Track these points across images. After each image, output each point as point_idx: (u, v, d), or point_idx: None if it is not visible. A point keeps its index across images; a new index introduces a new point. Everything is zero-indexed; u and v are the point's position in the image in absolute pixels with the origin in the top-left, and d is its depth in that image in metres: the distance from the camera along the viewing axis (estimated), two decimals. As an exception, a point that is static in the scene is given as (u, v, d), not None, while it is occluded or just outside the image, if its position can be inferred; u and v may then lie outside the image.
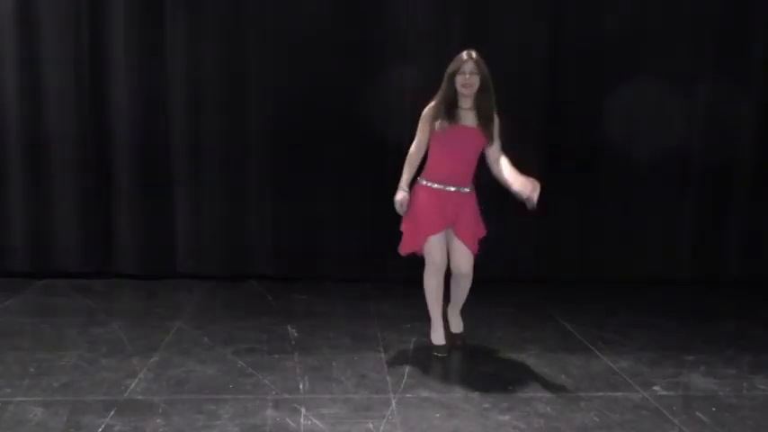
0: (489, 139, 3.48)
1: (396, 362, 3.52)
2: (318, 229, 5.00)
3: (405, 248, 3.63)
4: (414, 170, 3.58)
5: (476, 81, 3.40)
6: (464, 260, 3.55)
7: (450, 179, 3.50)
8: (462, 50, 3.45)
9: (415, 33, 4.83)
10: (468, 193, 3.55)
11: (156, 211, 4.94)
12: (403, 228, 3.62)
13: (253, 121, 4.90)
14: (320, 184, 4.96)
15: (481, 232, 3.65)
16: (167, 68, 4.82)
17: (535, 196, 3.21)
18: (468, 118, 3.47)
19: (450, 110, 3.44)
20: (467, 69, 3.39)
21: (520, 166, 4.77)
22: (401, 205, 3.54)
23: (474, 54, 3.42)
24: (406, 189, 3.54)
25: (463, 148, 3.48)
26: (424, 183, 3.54)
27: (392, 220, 4.88)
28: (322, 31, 4.82)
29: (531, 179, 3.26)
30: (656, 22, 4.96)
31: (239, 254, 5.03)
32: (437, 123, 3.45)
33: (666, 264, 5.21)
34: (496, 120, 3.50)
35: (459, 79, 3.41)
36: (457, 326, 3.84)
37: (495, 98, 3.47)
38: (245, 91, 4.87)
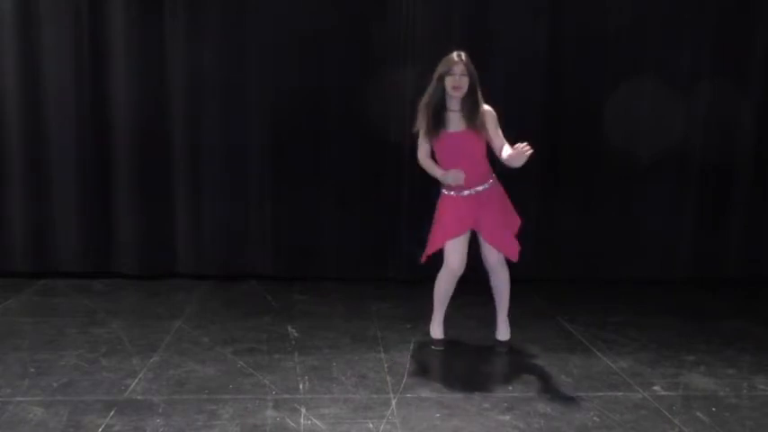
0: (484, 133, 3.43)
1: (396, 362, 3.52)
2: (318, 229, 5.00)
3: (426, 252, 3.63)
4: (433, 163, 3.56)
5: (465, 83, 3.39)
6: (492, 256, 3.57)
7: (462, 184, 3.47)
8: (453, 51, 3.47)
9: (414, 33, 4.82)
10: (487, 188, 3.51)
11: (156, 211, 4.94)
12: (430, 236, 3.63)
13: (253, 120, 4.90)
14: (320, 184, 4.96)
15: (515, 223, 3.62)
16: (167, 68, 4.82)
17: (523, 155, 3.24)
18: (455, 120, 3.46)
19: (437, 115, 3.44)
20: (457, 71, 3.38)
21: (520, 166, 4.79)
22: (456, 173, 3.40)
23: (463, 55, 3.41)
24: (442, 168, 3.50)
25: (462, 151, 3.47)
26: (444, 192, 3.59)
27: (392, 220, 4.93)
28: (322, 31, 4.82)
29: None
30: (656, 22, 4.96)
31: (239, 254, 5.03)
32: (426, 131, 3.46)
33: (666, 264, 5.21)
34: (490, 112, 3.46)
35: (449, 81, 3.39)
36: (504, 333, 3.77)
37: (481, 96, 3.45)
38: (246, 90, 4.86)
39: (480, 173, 3.51)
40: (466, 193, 3.49)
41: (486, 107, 3.47)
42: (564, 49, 4.94)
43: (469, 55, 3.46)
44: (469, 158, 3.46)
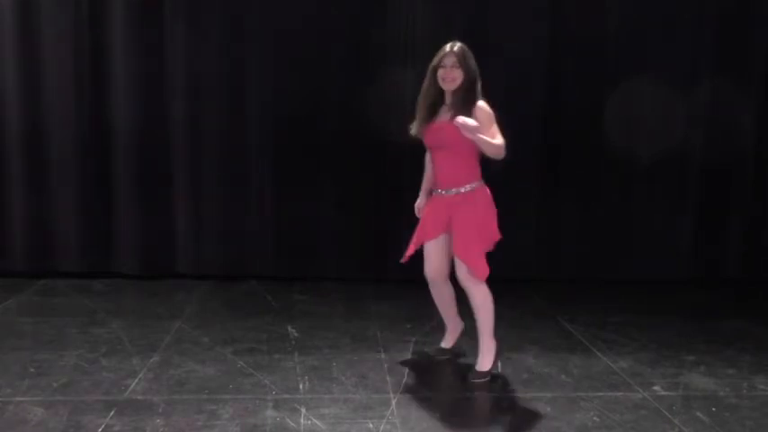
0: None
1: (396, 362, 3.52)
2: (318, 229, 5.00)
3: (407, 252, 3.45)
4: (426, 173, 3.51)
5: (458, 75, 3.16)
6: (460, 272, 3.23)
7: (439, 182, 3.31)
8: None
9: (414, 33, 4.82)
10: (464, 193, 3.23)
11: (156, 211, 4.94)
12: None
13: (253, 121, 4.90)
14: (320, 185, 4.96)
15: (489, 238, 3.28)
16: (167, 69, 4.82)
17: (465, 123, 2.97)
18: (446, 114, 3.22)
19: (427, 108, 3.26)
20: (448, 63, 3.17)
21: (520, 166, 4.82)
22: (417, 211, 3.53)
23: (456, 46, 3.19)
24: (421, 196, 3.52)
25: (442, 142, 3.23)
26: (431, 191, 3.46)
27: (392, 220, 4.93)
28: (322, 31, 4.83)
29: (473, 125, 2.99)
30: (657, 22, 4.96)
31: (239, 254, 5.03)
32: (411, 127, 3.33)
33: (666, 264, 5.21)
34: (484, 110, 3.15)
35: (440, 73, 3.19)
36: (480, 362, 3.33)
37: (480, 92, 3.20)
38: (245, 91, 4.87)
39: (458, 173, 3.24)
40: (443, 192, 3.28)
41: (482, 104, 3.17)
42: (564, 49, 4.94)
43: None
44: (448, 152, 3.23)
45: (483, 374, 3.29)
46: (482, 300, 3.24)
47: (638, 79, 4.93)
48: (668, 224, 5.18)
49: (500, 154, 3.12)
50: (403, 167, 4.81)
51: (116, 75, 4.80)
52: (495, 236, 3.31)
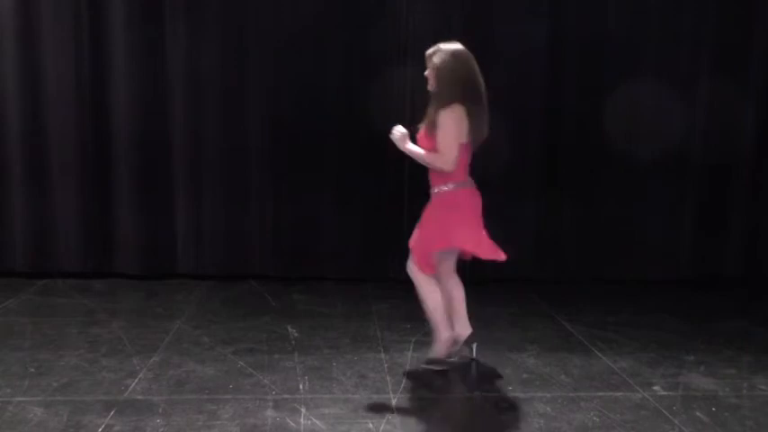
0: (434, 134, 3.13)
1: (396, 362, 3.52)
2: (318, 229, 5.00)
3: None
4: None
5: (432, 77, 3.16)
6: (410, 262, 3.33)
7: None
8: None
9: (414, 33, 4.82)
10: (435, 194, 3.25)
11: (156, 211, 4.94)
12: None
13: (253, 121, 4.90)
14: (320, 185, 4.96)
15: (439, 239, 3.20)
16: (167, 68, 4.83)
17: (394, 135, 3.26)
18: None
19: (429, 113, 3.21)
20: (426, 66, 3.21)
21: (520, 166, 4.81)
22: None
23: (431, 50, 3.17)
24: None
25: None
26: None
27: (392, 220, 4.93)
28: (322, 31, 4.83)
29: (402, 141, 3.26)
30: (657, 22, 4.96)
31: (239, 254, 5.03)
32: None
33: (666, 264, 5.21)
34: (445, 113, 3.08)
35: None
36: (432, 350, 3.44)
37: (460, 93, 3.09)
38: (245, 91, 4.87)
39: (434, 175, 3.24)
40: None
41: (449, 110, 3.08)
42: (564, 50, 4.94)
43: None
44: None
45: (432, 361, 3.41)
46: (425, 293, 3.32)
47: (638, 79, 4.93)
48: (668, 224, 5.18)
49: (435, 167, 3.17)
50: (403, 167, 4.81)
51: (116, 75, 4.80)
52: (458, 242, 3.22)
